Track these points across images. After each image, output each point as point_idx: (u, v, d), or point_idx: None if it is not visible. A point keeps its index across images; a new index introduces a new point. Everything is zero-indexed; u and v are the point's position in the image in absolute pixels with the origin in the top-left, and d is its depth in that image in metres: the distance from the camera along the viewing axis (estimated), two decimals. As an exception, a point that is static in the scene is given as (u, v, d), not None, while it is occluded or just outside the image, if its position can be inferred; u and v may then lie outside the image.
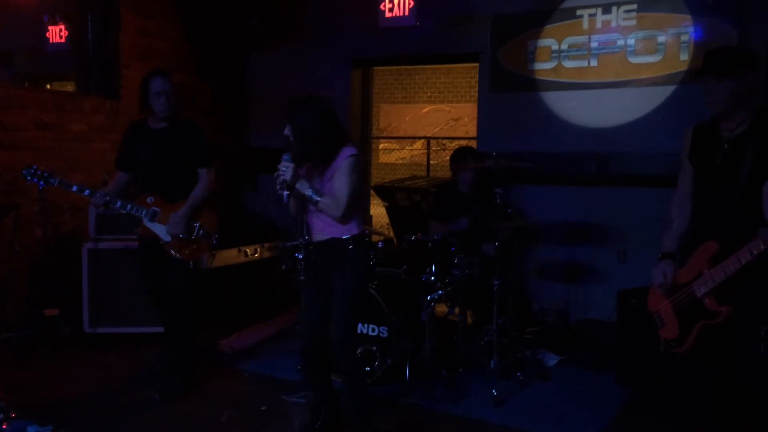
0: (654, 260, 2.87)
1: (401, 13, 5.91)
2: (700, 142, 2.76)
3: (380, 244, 4.50)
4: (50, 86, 6.83)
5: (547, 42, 5.36)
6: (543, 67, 5.39)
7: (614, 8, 5.10)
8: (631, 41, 5.06)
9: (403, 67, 11.35)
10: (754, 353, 2.50)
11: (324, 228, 3.18)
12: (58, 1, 6.56)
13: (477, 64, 5.77)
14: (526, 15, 5.42)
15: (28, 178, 3.81)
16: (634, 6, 5.02)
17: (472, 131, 7.08)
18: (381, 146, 12.54)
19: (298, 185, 3.10)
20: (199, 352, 4.33)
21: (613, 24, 5.11)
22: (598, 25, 5.17)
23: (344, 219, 3.12)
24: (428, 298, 4.12)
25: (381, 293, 4.02)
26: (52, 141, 5.08)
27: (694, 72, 2.71)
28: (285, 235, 5.62)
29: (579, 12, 5.22)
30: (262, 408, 3.76)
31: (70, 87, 6.17)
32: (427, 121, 12.33)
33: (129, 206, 3.85)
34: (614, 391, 4.08)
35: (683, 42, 4.87)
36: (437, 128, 12.12)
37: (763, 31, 4.57)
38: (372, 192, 6.74)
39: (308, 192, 3.10)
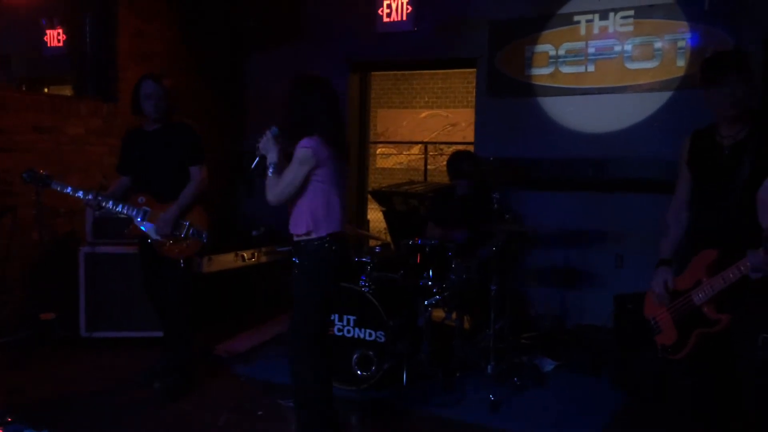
0: (651, 266, 2.88)
1: (399, 18, 5.93)
2: (699, 149, 2.77)
3: (377, 249, 4.51)
4: (48, 90, 6.83)
5: (545, 47, 5.38)
6: (540, 72, 5.41)
7: (611, 14, 5.12)
8: (628, 47, 5.08)
9: (400, 72, 11.36)
10: (751, 361, 2.50)
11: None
12: (55, 4, 6.57)
13: (474, 70, 5.79)
14: (523, 20, 5.44)
15: (28, 181, 3.91)
16: (631, 12, 5.05)
17: (470, 136, 7.08)
18: (378, 151, 12.55)
19: (265, 152, 3.02)
20: (196, 354, 4.33)
21: (611, 30, 5.14)
22: (596, 30, 5.19)
23: (280, 206, 3.04)
24: (425, 302, 4.13)
25: (378, 298, 4.01)
26: (49, 144, 5.07)
27: (703, 76, 2.68)
28: (280, 240, 5.61)
29: (576, 18, 5.25)
30: (259, 413, 3.75)
31: (67, 90, 6.15)
32: (424, 126, 12.35)
33: (120, 206, 3.92)
34: (610, 396, 4.08)
35: (680, 48, 4.90)
36: (435, 133, 12.14)
37: (759, 38, 4.59)
38: (369, 197, 6.74)
39: (270, 165, 3.02)
